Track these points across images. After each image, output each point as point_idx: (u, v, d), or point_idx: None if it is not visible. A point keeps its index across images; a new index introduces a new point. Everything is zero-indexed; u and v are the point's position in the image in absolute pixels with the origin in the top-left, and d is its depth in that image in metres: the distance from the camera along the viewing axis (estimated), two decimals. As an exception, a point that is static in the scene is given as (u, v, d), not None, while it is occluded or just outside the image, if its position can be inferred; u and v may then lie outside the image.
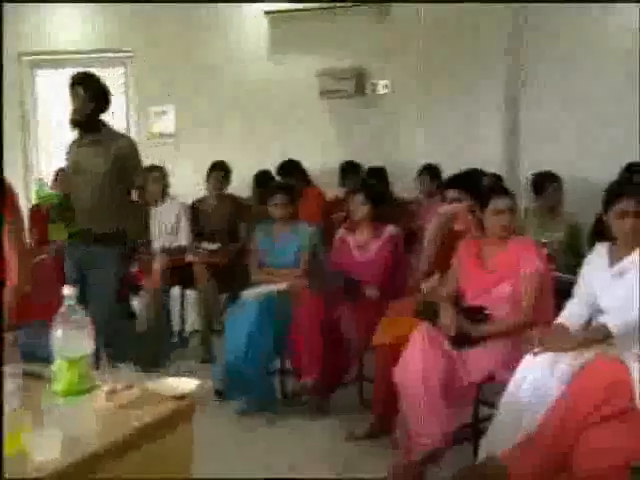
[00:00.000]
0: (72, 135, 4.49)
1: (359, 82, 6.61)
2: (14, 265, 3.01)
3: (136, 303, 5.68)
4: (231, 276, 5.40)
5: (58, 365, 1.86)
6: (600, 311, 3.17)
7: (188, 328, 5.78)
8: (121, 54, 7.41)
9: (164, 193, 5.77)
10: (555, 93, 6.06)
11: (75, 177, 4.38)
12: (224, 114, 7.09)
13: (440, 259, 3.99)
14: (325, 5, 6.52)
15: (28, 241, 4.80)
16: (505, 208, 3.53)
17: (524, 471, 2.73)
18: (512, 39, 6.15)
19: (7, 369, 1.95)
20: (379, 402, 3.82)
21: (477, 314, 3.47)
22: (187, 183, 6.18)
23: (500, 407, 3.05)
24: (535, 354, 2.98)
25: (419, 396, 3.21)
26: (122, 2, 7.06)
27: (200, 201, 5.92)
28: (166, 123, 7.30)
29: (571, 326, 3.21)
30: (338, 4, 6.51)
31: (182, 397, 2.18)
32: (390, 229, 4.50)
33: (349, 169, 6.37)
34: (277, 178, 6.23)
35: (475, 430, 3.38)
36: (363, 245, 4.52)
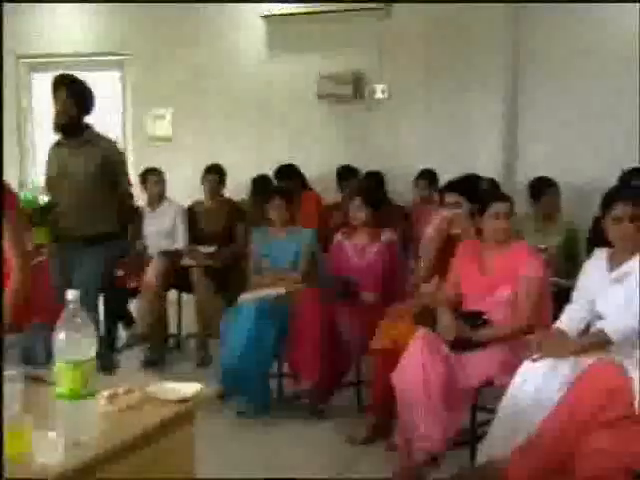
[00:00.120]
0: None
1: (357, 86, 6.60)
2: (15, 267, 2.99)
3: (134, 307, 5.70)
4: (228, 279, 5.41)
5: (60, 368, 1.85)
6: (599, 316, 3.17)
7: (184, 332, 5.78)
8: (119, 57, 7.39)
9: (161, 196, 5.77)
10: (553, 97, 6.07)
11: (59, 180, 4.35)
12: (221, 117, 7.07)
13: (438, 263, 4.00)
14: (323, 8, 6.51)
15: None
16: (504, 212, 3.55)
17: (523, 475, 2.74)
18: (511, 43, 6.16)
19: (7, 372, 1.95)
20: (376, 406, 3.83)
21: (475, 319, 3.48)
22: (184, 186, 6.17)
23: (499, 411, 3.06)
24: (534, 360, 2.99)
25: (419, 401, 3.23)
26: (120, 2, 7.06)
27: (196, 204, 5.92)
28: (163, 126, 7.29)
29: (569, 331, 3.22)
30: (335, 7, 6.50)
31: (183, 400, 2.18)
32: (387, 234, 4.51)
33: (346, 174, 6.37)
34: (274, 182, 6.23)
35: (473, 434, 3.39)
36: (361, 250, 4.52)
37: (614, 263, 3.19)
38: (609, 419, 2.59)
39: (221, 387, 4.18)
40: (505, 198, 3.67)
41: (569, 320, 3.27)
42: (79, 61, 7.33)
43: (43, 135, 7.67)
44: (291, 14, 6.66)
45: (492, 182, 5.18)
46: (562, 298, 3.50)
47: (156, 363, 5.19)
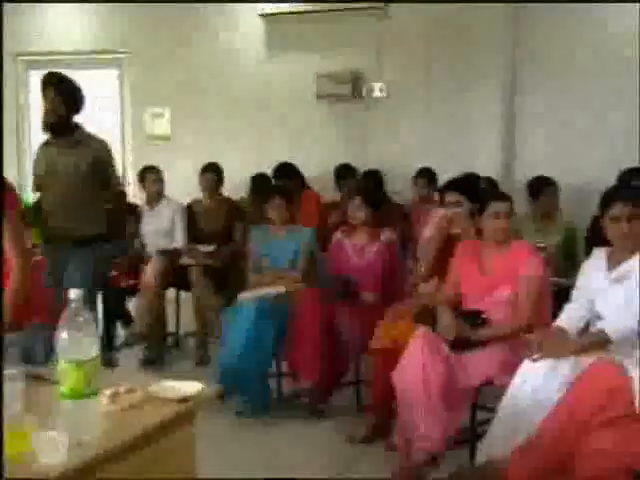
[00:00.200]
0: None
1: (356, 85, 6.60)
2: (15, 267, 2.99)
3: (132, 306, 5.70)
4: (226, 278, 5.40)
5: (63, 368, 1.85)
6: (598, 316, 3.17)
7: (182, 330, 5.78)
8: (117, 55, 7.38)
9: (160, 194, 5.76)
10: (553, 97, 6.07)
11: (50, 180, 4.28)
12: (220, 116, 7.07)
13: (438, 263, 4.00)
14: (322, 7, 6.51)
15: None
16: (504, 212, 3.56)
17: (523, 475, 2.74)
18: (510, 43, 6.16)
19: (7, 371, 1.94)
20: (376, 406, 3.83)
21: (475, 318, 3.48)
22: (183, 185, 6.16)
23: (499, 411, 3.06)
24: (535, 360, 2.99)
25: (419, 401, 3.23)
26: (119, 1, 7.05)
27: (195, 203, 5.91)
28: (162, 124, 7.28)
29: (569, 330, 3.22)
30: (334, 6, 6.50)
31: (184, 400, 2.18)
32: (387, 233, 4.51)
33: (344, 172, 6.37)
34: (273, 181, 6.22)
35: (473, 433, 3.39)
36: (360, 249, 4.52)
37: (613, 263, 3.20)
38: (610, 418, 2.59)
39: (222, 387, 4.18)
40: (505, 197, 3.67)
41: (568, 319, 3.27)
42: (77, 59, 7.31)
43: (40, 132, 7.66)
44: (290, 13, 6.66)
45: (490, 181, 5.20)
46: (561, 297, 3.51)
47: (154, 362, 5.19)
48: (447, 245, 3.96)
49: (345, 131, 6.73)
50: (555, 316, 3.38)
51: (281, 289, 4.43)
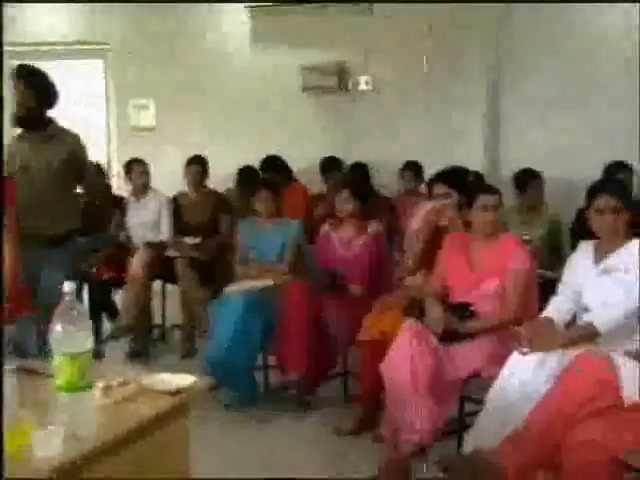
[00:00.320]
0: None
1: (342, 78, 6.60)
2: (9, 258, 2.98)
3: (118, 298, 5.68)
4: (213, 271, 5.40)
5: (58, 361, 1.84)
6: (585, 309, 3.20)
7: (168, 323, 5.77)
8: (101, 46, 7.32)
9: (145, 187, 5.74)
10: (537, 90, 6.11)
11: (21, 176, 4.04)
12: (205, 108, 7.04)
13: (425, 255, 4.01)
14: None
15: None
16: (492, 205, 3.57)
17: (510, 466, 2.76)
18: (497, 37, 6.18)
19: (6, 367, 1.94)
20: (364, 398, 3.84)
21: (463, 310, 3.49)
22: (168, 177, 6.13)
23: (487, 402, 3.08)
24: (524, 354, 3.00)
25: (407, 392, 3.23)
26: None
27: (181, 196, 5.90)
28: (147, 116, 7.25)
29: (556, 322, 3.25)
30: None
31: (177, 392, 2.18)
32: (374, 225, 4.53)
33: (330, 165, 6.37)
34: (260, 173, 6.21)
35: (460, 425, 3.41)
36: (347, 242, 4.53)
37: (600, 255, 3.22)
38: (598, 408, 2.61)
39: (213, 379, 4.17)
40: (493, 190, 3.68)
41: (555, 311, 3.29)
42: (60, 50, 7.23)
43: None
44: (275, 4, 6.64)
45: (477, 174, 5.22)
46: (546, 290, 3.54)
47: (140, 355, 5.19)
48: (435, 237, 3.98)
49: (331, 124, 6.74)
50: (541, 309, 3.40)
51: (268, 282, 4.43)
